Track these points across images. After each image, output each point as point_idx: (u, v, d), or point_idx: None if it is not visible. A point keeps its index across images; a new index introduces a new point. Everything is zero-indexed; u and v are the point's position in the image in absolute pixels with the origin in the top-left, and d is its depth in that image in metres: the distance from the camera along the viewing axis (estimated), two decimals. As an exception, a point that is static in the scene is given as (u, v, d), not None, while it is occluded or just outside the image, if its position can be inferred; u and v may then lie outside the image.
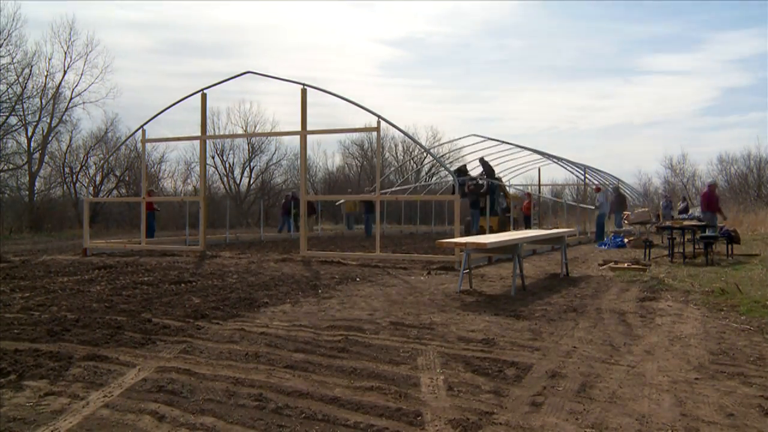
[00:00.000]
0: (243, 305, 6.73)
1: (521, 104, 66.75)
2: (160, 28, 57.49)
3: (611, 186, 22.70)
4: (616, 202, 19.60)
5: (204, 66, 56.96)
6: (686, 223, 14.21)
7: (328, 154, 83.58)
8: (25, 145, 29.44)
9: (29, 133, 29.37)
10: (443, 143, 19.80)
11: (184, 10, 56.48)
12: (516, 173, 28.88)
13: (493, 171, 21.06)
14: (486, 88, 67.64)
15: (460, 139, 19.29)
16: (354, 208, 24.65)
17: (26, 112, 28.97)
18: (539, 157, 23.46)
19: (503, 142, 20.89)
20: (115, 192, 34.12)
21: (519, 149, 21.40)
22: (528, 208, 23.25)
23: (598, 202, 20.00)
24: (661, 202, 24.51)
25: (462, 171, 21.23)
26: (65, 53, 30.41)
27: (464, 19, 67.39)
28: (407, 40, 66.71)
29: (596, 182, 22.84)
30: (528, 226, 22.44)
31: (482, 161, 21.25)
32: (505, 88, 67.88)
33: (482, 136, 21.82)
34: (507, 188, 23.97)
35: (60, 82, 30.07)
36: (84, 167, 33.24)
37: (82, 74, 31.31)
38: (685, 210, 21.02)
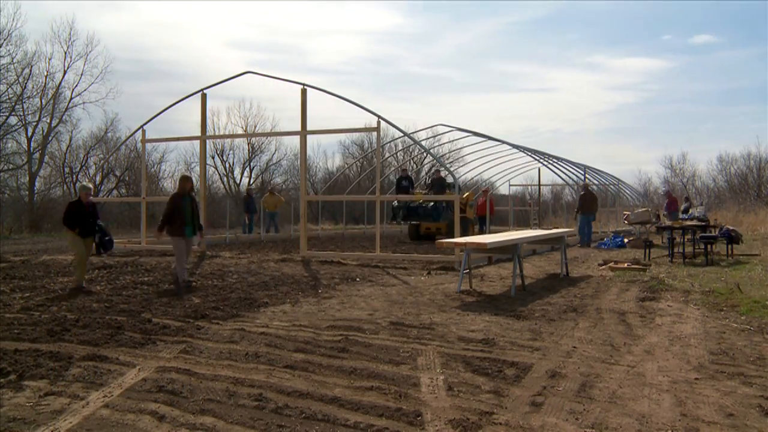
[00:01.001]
0: (243, 305, 6.73)
1: (447, 113, 67.98)
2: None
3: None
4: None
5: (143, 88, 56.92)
6: (686, 223, 14.22)
7: (328, 154, 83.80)
8: (25, 145, 29.49)
9: (29, 133, 29.43)
10: (413, 132, 18.30)
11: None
12: (509, 173, 28.82)
13: (444, 189, 18.58)
14: (401, 101, 68.41)
15: (430, 127, 18.05)
16: (275, 208, 21.07)
17: (26, 112, 29.04)
18: (521, 155, 22.90)
19: (475, 133, 20.09)
20: (115, 192, 34.13)
21: (515, 150, 21.33)
22: (484, 209, 19.83)
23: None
24: (664, 203, 24.42)
25: (406, 178, 19.43)
26: (65, 53, 30.46)
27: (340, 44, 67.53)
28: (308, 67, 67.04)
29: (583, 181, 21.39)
30: (481, 231, 19.24)
31: (434, 179, 18.97)
32: (426, 101, 68.68)
33: (450, 126, 20.57)
34: (455, 185, 22.10)
35: (60, 82, 30.13)
36: (84, 167, 33.29)
37: (82, 74, 31.34)
38: (686, 210, 21.04)
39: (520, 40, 75.18)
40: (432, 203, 17.96)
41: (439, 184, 18.79)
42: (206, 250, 13.29)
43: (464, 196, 19.74)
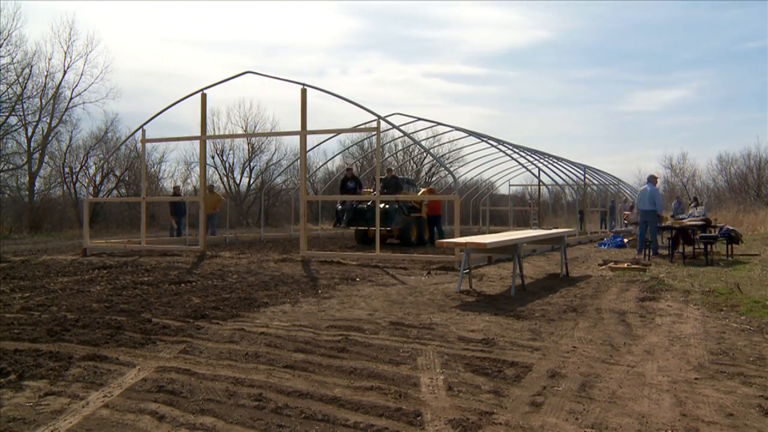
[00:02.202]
0: (243, 305, 6.73)
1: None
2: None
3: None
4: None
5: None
6: (686, 222, 14.22)
7: (328, 154, 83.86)
8: (25, 145, 29.47)
9: (29, 133, 29.41)
10: (371, 121, 16.08)
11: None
12: (509, 173, 28.78)
13: (400, 187, 16.55)
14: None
15: (387, 117, 15.79)
16: (214, 209, 18.56)
17: (26, 112, 29.03)
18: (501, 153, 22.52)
19: (475, 134, 19.44)
20: (115, 192, 34.13)
21: (515, 150, 21.32)
22: (434, 208, 17.21)
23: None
24: (673, 203, 24.54)
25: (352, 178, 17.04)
26: (65, 53, 30.53)
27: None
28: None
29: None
30: (435, 234, 16.98)
31: (385, 179, 16.70)
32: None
33: (409, 116, 18.40)
34: (412, 185, 19.38)
35: (60, 82, 30.13)
36: (84, 167, 33.29)
37: (82, 74, 31.42)
38: (682, 210, 21.10)
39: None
40: (382, 205, 15.43)
41: (392, 185, 16.38)
42: (206, 249, 13.30)
43: (419, 194, 17.78)
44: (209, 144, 36.43)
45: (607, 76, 79.25)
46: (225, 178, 39.90)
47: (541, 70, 79.51)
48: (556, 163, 22.91)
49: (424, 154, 38.93)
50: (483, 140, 20.09)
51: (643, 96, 76.44)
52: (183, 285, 8.38)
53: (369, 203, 15.65)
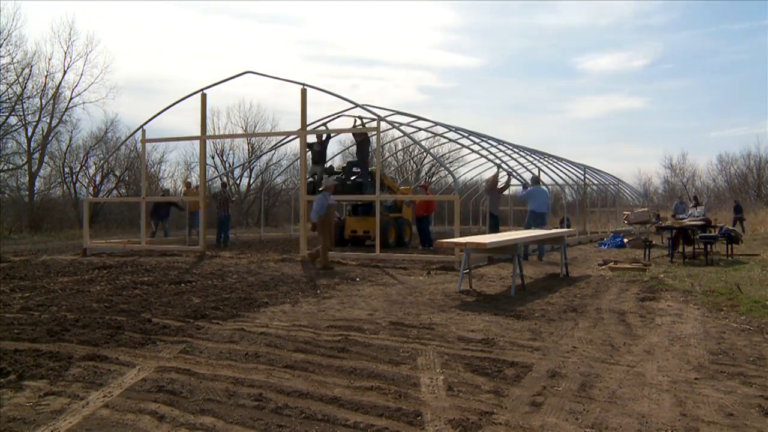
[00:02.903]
0: (243, 305, 6.73)
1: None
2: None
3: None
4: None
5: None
6: (686, 222, 14.22)
7: (328, 155, 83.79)
8: (25, 145, 29.43)
9: (29, 133, 29.37)
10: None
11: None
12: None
13: (367, 152, 15.22)
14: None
15: (387, 117, 14.01)
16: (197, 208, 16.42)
17: (26, 112, 28.98)
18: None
19: (474, 133, 18.82)
20: (115, 192, 34.11)
21: (515, 150, 21.28)
22: (425, 208, 16.19)
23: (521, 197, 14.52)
24: (674, 203, 24.55)
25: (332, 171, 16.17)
26: (65, 53, 30.50)
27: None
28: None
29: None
30: (423, 238, 15.93)
31: (357, 136, 15.61)
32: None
33: (409, 115, 17.19)
34: (389, 179, 18.21)
35: (60, 82, 30.07)
36: (84, 167, 33.25)
37: (82, 74, 31.41)
38: (684, 210, 21.09)
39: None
40: (354, 177, 14.69)
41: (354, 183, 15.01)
42: (206, 249, 13.30)
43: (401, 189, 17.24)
44: (209, 144, 36.42)
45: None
46: (225, 178, 39.86)
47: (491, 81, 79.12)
48: (556, 163, 22.89)
49: (424, 154, 38.91)
50: (483, 140, 20.06)
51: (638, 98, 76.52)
52: (183, 285, 8.38)
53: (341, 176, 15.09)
